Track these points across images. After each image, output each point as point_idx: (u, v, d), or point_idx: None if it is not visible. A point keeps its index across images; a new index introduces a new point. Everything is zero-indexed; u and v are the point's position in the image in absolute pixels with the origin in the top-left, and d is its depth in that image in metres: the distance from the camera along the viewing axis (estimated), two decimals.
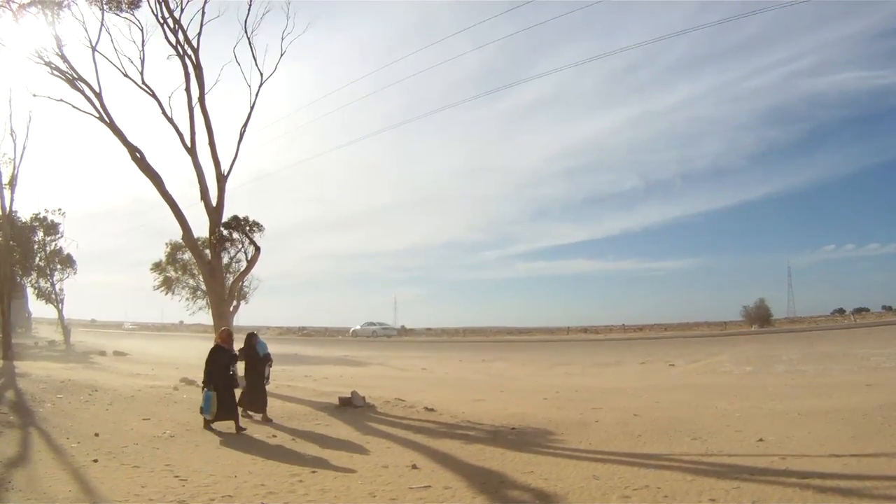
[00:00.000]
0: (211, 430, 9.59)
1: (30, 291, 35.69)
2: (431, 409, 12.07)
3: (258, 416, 10.96)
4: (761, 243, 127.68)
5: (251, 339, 11.67)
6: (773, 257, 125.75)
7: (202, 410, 9.76)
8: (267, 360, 11.62)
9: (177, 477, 6.59)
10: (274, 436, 9.42)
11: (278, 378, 18.05)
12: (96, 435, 8.57)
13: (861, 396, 12.10)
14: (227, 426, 9.68)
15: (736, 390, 15.03)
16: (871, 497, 5.40)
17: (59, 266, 32.68)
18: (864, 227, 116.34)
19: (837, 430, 8.89)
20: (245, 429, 9.78)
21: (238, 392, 10.54)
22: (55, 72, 15.34)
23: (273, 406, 11.86)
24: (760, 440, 8.52)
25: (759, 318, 54.76)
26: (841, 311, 73.42)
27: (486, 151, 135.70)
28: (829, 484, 5.93)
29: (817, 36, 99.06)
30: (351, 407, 12.09)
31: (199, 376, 15.86)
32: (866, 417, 9.71)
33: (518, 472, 7.25)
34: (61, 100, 15.88)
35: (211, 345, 10.36)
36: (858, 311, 69.02)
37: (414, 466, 7.53)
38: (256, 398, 11.16)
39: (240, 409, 10.37)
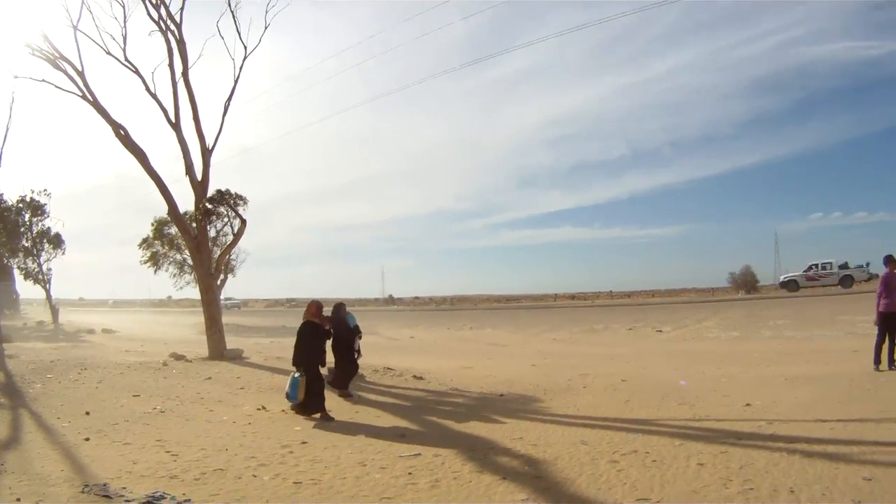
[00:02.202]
0: (304, 415, 8.81)
1: (17, 273, 35.32)
2: (420, 377, 12.13)
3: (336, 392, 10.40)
4: (748, 211, 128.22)
5: (340, 310, 11.05)
6: (760, 225, 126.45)
7: (288, 397, 8.84)
8: (357, 332, 11.15)
9: (168, 452, 6.56)
10: (263, 408, 9.40)
11: (267, 350, 18.09)
12: (87, 413, 8.49)
13: (847, 362, 12.20)
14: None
15: (723, 356, 15.20)
16: (858, 462, 5.46)
17: (47, 246, 32.32)
18: (852, 196, 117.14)
19: (824, 395, 8.98)
20: (333, 419, 8.78)
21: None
22: (36, 52, 15.09)
23: (261, 379, 11.88)
24: (747, 405, 8.60)
25: (746, 284, 55.20)
26: None
27: (472, 121, 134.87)
28: (815, 449, 5.98)
29: (808, 5, 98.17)
30: None
31: (187, 351, 16.06)
32: (853, 383, 9.79)
33: (506, 438, 7.30)
34: (43, 80, 15.62)
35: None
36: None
37: (403, 435, 7.59)
38: (344, 374, 10.64)
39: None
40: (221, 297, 57.82)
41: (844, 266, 42.05)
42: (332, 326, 10.27)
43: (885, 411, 7.63)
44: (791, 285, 43.72)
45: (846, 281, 40.92)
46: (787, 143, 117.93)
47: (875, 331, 11.09)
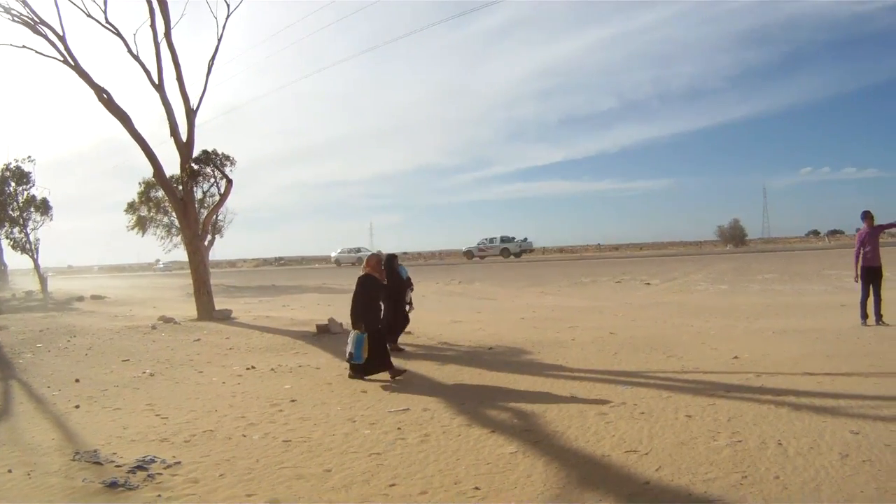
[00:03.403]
0: (362, 378, 8.36)
1: (4, 243, 34.75)
2: (409, 332, 12.09)
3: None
4: (737, 164, 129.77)
5: (393, 261, 10.71)
6: (748, 179, 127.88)
7: (351, 357, 8.30)
8: (409, 284, 10.91)
9: (158, 416, 6.55)
10: (253, 367, 9.40)
11: (256, 310, 18.07)
12: (77, 381, 8.46)
13: (835, 316, 12.36)
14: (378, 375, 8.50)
15: (711, 308, 15.30)
16: (845, 415, 5.51)
17: (34, 214, 31.75)
18: (841, 151, 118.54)
19: (812, 349, 9.07)
20: (403, 371, 8.48)
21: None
22: (16, 18, 14.78)
23: (250, 339, 11.86)
24: (735, 358, 8.67)
25: (734, 237, 55.70)
26: (815, 233, 75.12)
27: (458, 75, 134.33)
28: (803, 402, 6.04)
29: None
30: (328, 334, 12.08)
31: (176, 314, 16.01)
32: (840, 337, 9.91)
33: (495, 391, 7.36)
34: (24, 46, 15.43)
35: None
36: (833, 232, 70.51)
37: (392, 390, 7.62)
38: (396, 327, 10.42)
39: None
40: (341, 249, 55.39)
41: (507, 240, 54.00)
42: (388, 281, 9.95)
43: (872, 365, 7.73)
44: (469, 254, 55.90)
45: (504, 252, 52.75)
46: (775, 97, 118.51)
47: (858, 286, 11.26)
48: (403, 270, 11.02)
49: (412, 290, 11.17)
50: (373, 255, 9.17)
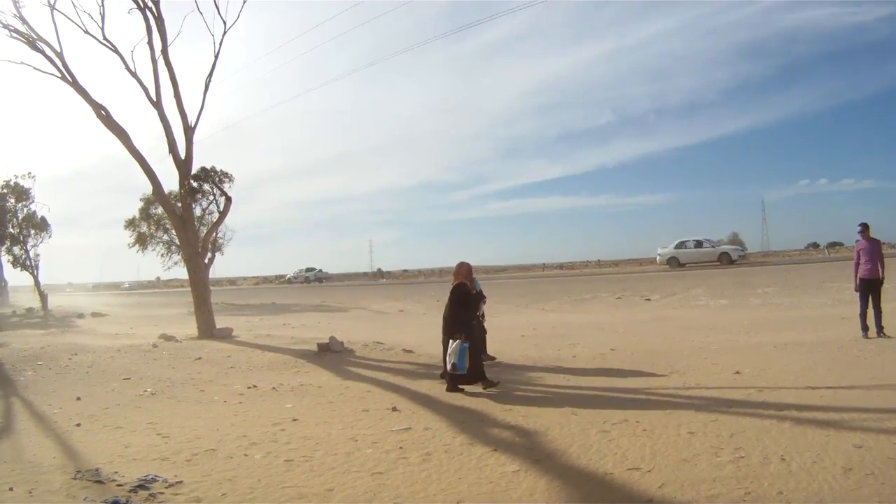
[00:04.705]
0: (459, 390, 8.35)
1: (4, 260, 34.66)
2: (410, 351, 12.12)
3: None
4: (736, 178, 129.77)
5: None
6: (747, 192, 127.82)
7: (455, 368, 8.16)
8: (481, 296, 10.75)
9: (159, 434, 6.52)
10: (254, 386, 9.38)
11: (256, 328, 18.05)
12: (78, 399, 8.47)
13: (836, 329, 12.33)
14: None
15: (712, 323, 15.27)
16: (848, 429, 5.50)
17: (32, 231, 31.68)
18: (839, 162, 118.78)
19: (813, 362, 9.06)
20: (496, 383, 8.55)
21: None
22: (14, 34, 14.95)
23: (251, 358, 11.84)
24: (737, 373, 8.66)
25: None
26: (815, 245, 74.92)
27: (456, 90, 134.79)
28: (805, 416, 6.03)
29: None
30: (330, 352, 12.05)
31: (176, 332, 15.99)
32: (842, 350, 9.91)
33: (496, 409, 7.31)
34: (22, 62, 15.68)
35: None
36: (832, 245, 70.30)
37: (394, 409, 7.55)
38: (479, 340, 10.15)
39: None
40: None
41: (311, 269, 65.57)
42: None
43: (874, 378, 7.73)
44: (289, 281, 67.01)
45: (307, 279, 64.13)
46: (772, 110, 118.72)
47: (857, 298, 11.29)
48: (475, 283, 10.94)
49: (485, 302, 11.08)
50: (463, 263, 9.13)
